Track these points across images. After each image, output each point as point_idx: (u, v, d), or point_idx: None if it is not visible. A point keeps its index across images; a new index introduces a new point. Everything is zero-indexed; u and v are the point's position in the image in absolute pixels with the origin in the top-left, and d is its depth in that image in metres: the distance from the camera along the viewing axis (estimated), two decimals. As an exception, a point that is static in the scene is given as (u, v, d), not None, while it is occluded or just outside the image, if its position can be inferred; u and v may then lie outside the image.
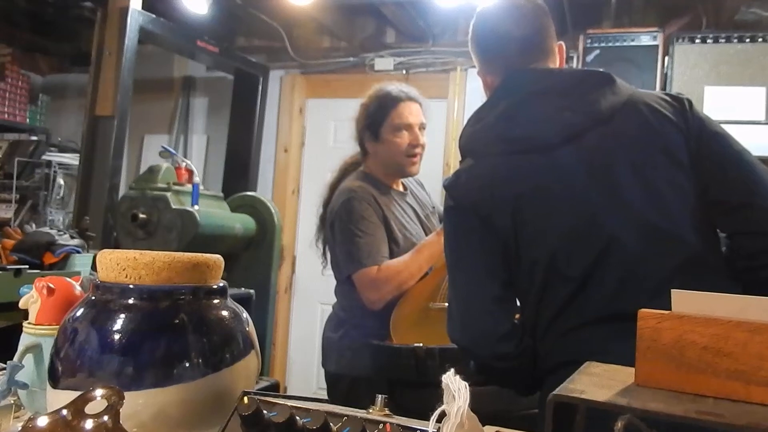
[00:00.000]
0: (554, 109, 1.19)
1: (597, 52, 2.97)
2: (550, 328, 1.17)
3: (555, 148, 1.17)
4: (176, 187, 2.81)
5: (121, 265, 0.75)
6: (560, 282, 1.15)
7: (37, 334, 0.88)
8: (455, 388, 0.57)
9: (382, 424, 0.62)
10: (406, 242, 1.87)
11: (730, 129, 1.23)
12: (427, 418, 0.58)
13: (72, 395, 0.64)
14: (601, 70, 1.24)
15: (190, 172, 2.95)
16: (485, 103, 1.31)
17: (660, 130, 1.18)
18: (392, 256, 1.83)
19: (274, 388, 1.71)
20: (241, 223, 3.15)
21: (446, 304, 1.70)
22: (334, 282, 1.98)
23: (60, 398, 0.70)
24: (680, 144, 1.17)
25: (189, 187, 2.85)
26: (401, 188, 2.02)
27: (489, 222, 1.19)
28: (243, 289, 2.81)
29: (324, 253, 1.99)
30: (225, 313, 0.79)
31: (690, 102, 1.22)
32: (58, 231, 2.34)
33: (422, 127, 1.95)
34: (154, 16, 3.33)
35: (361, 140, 1.97)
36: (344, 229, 1.83)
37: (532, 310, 1.19)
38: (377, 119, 1.92)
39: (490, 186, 1.20)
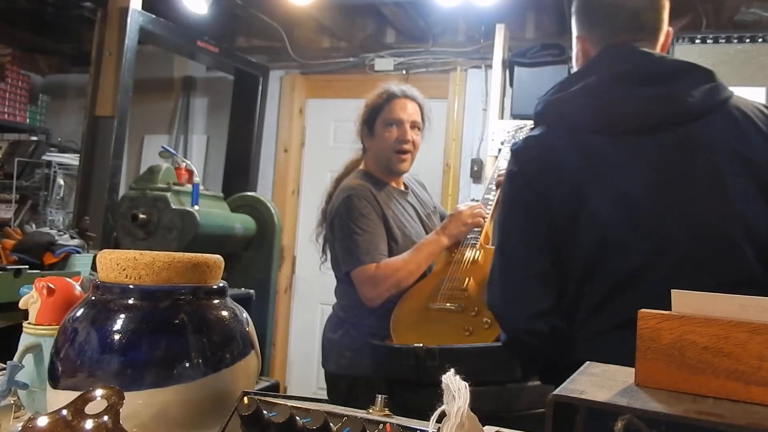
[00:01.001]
0: (643, 96, 1.14)
1: (597, 52, 2.96)
2: (587, 322, 1.13)
3: (633, 135, 1.12)
4: (176, 187, 2.81)
5: (121, 265, 0.75)
6: (605, 276, 1.11)
7: (37, 334, 0.88)
8: (455, 388, 0.57)
9: (382, 425, 0.62)
10: (405, 240, 1.87)
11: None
12: (427, 419, 0.58)
13: (72, 395, 0.64)
14: (704, 66, 1.18)
15: (190, 173, 2.95)
16: (574, 74, 1.25)
17: (749, 140, 1.12)
18: (391, 254, 1.84)
19: (274, 389, 1.71)
20: (241, 223, 3.15)
21: (447, 305, 1.71)
22: (334, 282, 1.98)
23: (60, 398, 0.69)
24: (767, 159, 1.11)
25: (189, 187, 2.85)
26: (402, 187, 2.02)
27: (548, 195, 1.15)
28: (243, 289, 2.81)
29: (324, 249, 2.00)
30: (225, 313, 0.79)
31: None
32: (58, 231, 2.34)
33: (415, 125, 1.95)
34: (154, 16, 3.33)
35: (360, 137, 2.00)
36: (343, 226, 1.83)
37: (573, 298, 1.15)
38: (373, 115, 1.95)
39: (557, 158, 1.16)
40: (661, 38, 1.25)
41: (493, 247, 1.78)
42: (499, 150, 2.98)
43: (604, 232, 1.11)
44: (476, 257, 1.75)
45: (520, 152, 1.22)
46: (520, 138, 1.25)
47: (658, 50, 1.24)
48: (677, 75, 1.16)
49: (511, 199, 1.22)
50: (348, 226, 1.83)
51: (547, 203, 1.15)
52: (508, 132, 2.15)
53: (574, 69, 1.32)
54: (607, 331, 1.11)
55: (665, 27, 1.25)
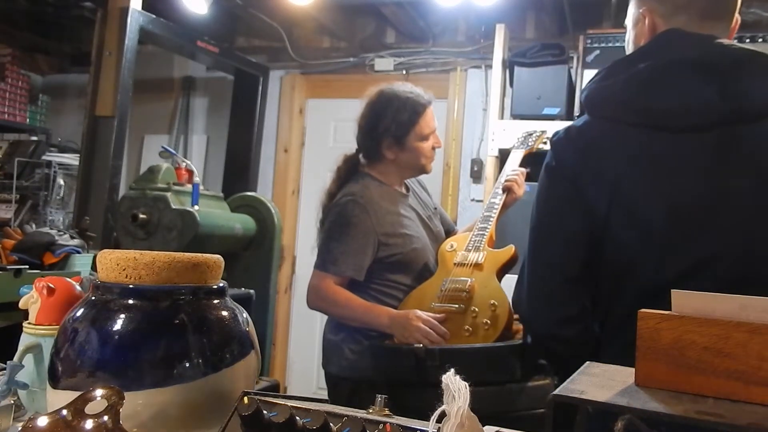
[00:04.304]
0: (700, 89, 1.04)
1: (597, 52, 2.97)
2: (622, 327, 1.06)
3: (681, 132, 1.04)
4: (176, 187, 2.81)
5: (121, 265, 0.75)
6: (639, 287, 1.05)
7: (37, 334, 0.88)
8: (455, 388, 0.57)
9: (382, 425, 0.62)
10: (406, 244, 1.87)
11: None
12: (428, 419, 0.58)
13: (72, 395, 0.64)
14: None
15: (190, 173, 2.95)
16: (625, 58, 1.16)
17: None
18: (393, 255, 1.84)
19: (275, 389, 1.71)
20: (241, 223, 3.15)
21: (447, 305, 1.71)
22: (334, 282, 1.98)
23: (60, 398, 0.70)
24: None
25: (189, 187, 2.85)
26: (403, 189, 2.02)
27: (586, 191, 1.08)
28: (243, 289, 2.81)
29: None
30: (225, 313, 0.79)
31: None
32: (58, 231, 2.34)
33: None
34: (154, 16, 3.33)
35: (377, 148, 1.92)
36: (330, 227, 1.86)
37: (606, 299, 1.09)
38: (406, 129, 1.89)
39: (598, 152, 1.09)
40: (731, 27, 1.16)
41: (495, 250, 1.78)
42: (499, 152, 2.98)
43: (642, 236, 1.05)
44: (479, 260, 1.75)
45: (559, 144, 1.14)
46: (561, 129, 1.17)
47: (725, 37, 1.13)
48: (741, 66, 1.05)
49: (546, 193, 1.15)
50: (333, 229, 1.85)
51: (585, 199, 1.08)
52: (518, 138, 2.14)
53: (630, 50, 1.22)
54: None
55: (737, 14, 1.16)
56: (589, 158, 1.10)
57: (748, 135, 1.03)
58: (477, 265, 1.75)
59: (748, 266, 1.02)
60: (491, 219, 1.84)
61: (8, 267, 2.02)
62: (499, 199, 1.88)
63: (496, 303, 1.63)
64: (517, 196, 1.91)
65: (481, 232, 1.82)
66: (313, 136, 4.27)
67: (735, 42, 1.13)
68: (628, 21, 1.24)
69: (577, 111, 2.82)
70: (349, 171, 1.97)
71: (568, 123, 1.22)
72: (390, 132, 1.89)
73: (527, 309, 1.17)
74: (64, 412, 0.61)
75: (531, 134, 2.12)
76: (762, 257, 1.03)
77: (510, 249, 1.74)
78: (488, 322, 1.62)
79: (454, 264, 1.79)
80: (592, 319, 1.12)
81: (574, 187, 1.10)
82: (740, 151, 1.03)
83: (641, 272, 1.05)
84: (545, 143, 1.98)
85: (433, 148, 1.96)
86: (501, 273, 1.73)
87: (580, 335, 1.11)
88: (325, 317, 1.99)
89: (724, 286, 0.97)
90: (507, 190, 1.90)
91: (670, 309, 0.63)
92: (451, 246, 1.88)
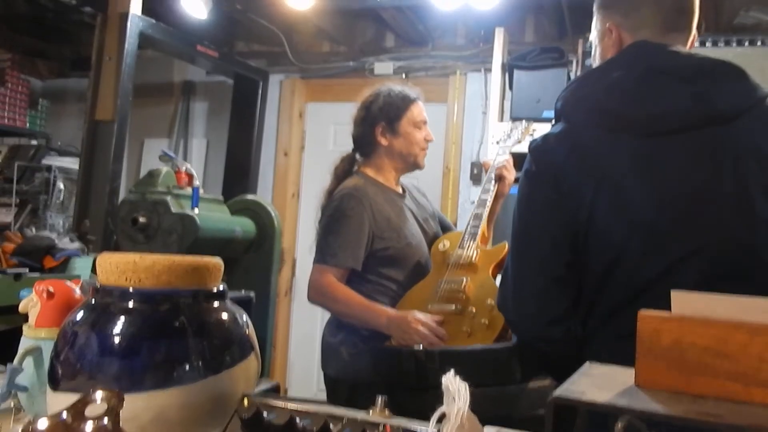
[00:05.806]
0: (671, 96, 1.09)
1: (596, 55, 2.97)
2: (606, 325, 1.10)
3: (659, 136, 1.08)
4: (176, 191, 2.81)
5: (121, 268, 0.75)
6: (625, 280, 1.08)
7: (37, 337, 0.88)
8: (455, 389, 0.57)
9: (382, 426, 0.62)
10: (401, 240, 1.87)
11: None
12: (428, 420, 0.58)
13: (72, 398, 0.64)
14: (733, 63, 1.13)
15: (190, 176, 2.94)
16: (598, 68, 1.21)
17: None
18: (392, 252, 1.85)
19: (275, 391, 1.70)
20: (241, 226, 3.15)
21: (445, 306, 1.70)
22: (333, 285, 1.98)
23: (60, 401, 0.69)
24: None
25: (189, 190, 2.84)
26: (399, 190, 2.03)
27: (567, 195, 1.11)
28: (243, 291, 2.80)
29: None
30: (225, 315, 0.79)
31: None
32: (58, 235, 2.34)
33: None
34: (153, 21, 3.34)
35: (370, 136, 1.97)
36: (327, 222, 1.88)
37: (589, 299, 1.12)
38: (397, 113, 1.95)
39: (579, 156, 1.12)
40: (690, 38, 1.22)
41: (489, 248, 1.78)
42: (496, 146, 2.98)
43: (627, 235, 1.08)
44: (473, 258, 1.75)
45: (538, 150, 1.17)
46: (538, 136, 1.20)
47: (686, 48, 1.20)
48: (708, 73, 1.11)
49: (527, 198, 1.18)
50: (330, 223, 1.86)
51: (566, 202, 1.11)
52: (504, 131, 2.15)
53: (598, 63, 1.26)
54: (627, 336, 1.08)
55: (695, 22, 1.21)
56: (573, 162, 1.13)
57: (724, 136, 1.08)
58: (471, 265, 1.74)
59: (729, 263, 1.05)
60: (482, 216, 1.84)
61: (8, 270, 2.03)
62: (490, 195, 1.89)
63: (493, 303, 1.63)
64: (509, 180, 1.93)
65: (472, 230, 1.81)
66: (313, 140, 4.27)
67: (698, 52, 1.20)
68: (594, 37, 1.29)
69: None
70: (345, 170, 2.01)
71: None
72: (383, 114, 1.95)
73: (513, 311, 1.19)
74: (64, 414, 0.61)
75: (516, 127, 2.13)
76: (741, 252, 1.06)
77: (503, 246, 1.73)
78: (486, 322, 1.62)
79: (448, 263, 1.79)
80: (577, 315, 1.14)
81: (558, 191, 1.13)
82: (718, 151, 1.08)
83: (625, 270, 1.08)
84: (532, 135, 2.01)
85: (426, 141, 1.99)
86: (496, 271, 1.72)
87: (566, 335, 1.13)
88: (325, 319, 1.99)
89: (706, 281, 0.99)
90: (498, 177, 1.91)
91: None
92: (444, 245, 1.87)
